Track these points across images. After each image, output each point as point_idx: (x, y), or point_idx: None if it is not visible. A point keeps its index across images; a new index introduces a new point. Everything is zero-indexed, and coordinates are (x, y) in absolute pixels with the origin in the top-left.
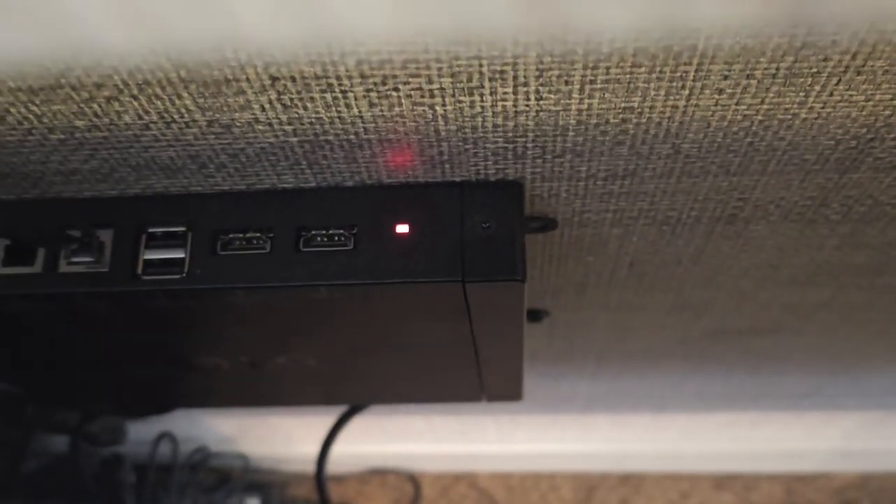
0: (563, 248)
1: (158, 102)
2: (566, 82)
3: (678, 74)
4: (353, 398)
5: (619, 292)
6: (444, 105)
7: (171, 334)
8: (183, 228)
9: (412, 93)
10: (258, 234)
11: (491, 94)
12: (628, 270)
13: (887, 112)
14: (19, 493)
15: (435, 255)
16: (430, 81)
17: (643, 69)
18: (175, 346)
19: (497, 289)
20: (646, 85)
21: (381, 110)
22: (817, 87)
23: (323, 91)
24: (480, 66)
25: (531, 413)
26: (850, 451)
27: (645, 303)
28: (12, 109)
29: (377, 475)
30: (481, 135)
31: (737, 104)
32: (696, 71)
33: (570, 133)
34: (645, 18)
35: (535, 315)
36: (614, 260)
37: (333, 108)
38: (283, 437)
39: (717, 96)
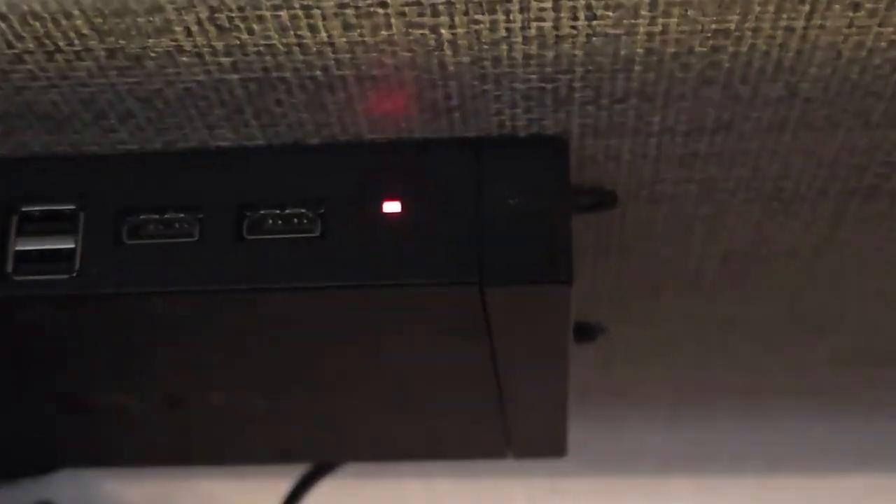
0: (625, 234)
1: (36, 24)
2: None
3: None
4: (318, 454)
5: (706, 299)
6: (452, 27)
7: (55, 360)
8: (72, 206)
9: (406, 9)
10: (181, 216)
11: (521, 10)
12: (721, 267)
13: None
14: None
15: (439, 245)
16: None
17: None
18: (61, 377)
19: (530, 295)
20: None
21: (362, 34)
22: None
23: (277, 6)
24: None
25: (579, 476)
26: None
27: (745, 314)
28: None
29: None
30: (507, 70)
31: (880, 25)
32: None
33: (637, 67)
34: None
35: (585, 332)
36: (700, 252)
37: (291, 32)
38: None
39: (850, 14)
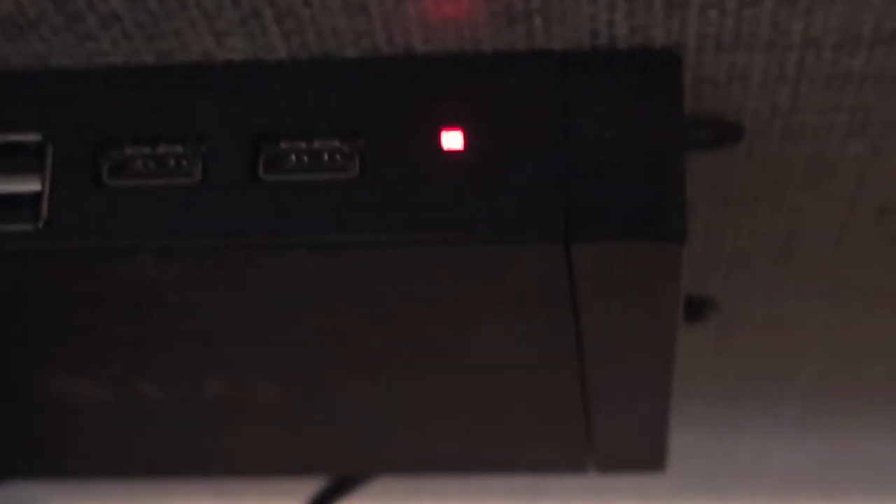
0: (750, 179)
1: None
2: None
3: None
4: (338, 464)
5: (855, 267)
6: None
7: (5, 335)
8: (37, 137)
9: None
10: (179, 150)
11: None
12: (876, 222)
13: None
14: None
15: (512, 189)
16: None
17: None
18: (14, 358)
19: (629, 256)
20: None
21: None
22: None
23: None
24: None
25: (680, 498)
26: None
27: None
28: None
29: None
30: None
31: None
32: None
33: None
34: None
35: (693, 309)
36: (849, 204)
37: None
38: None
39: None
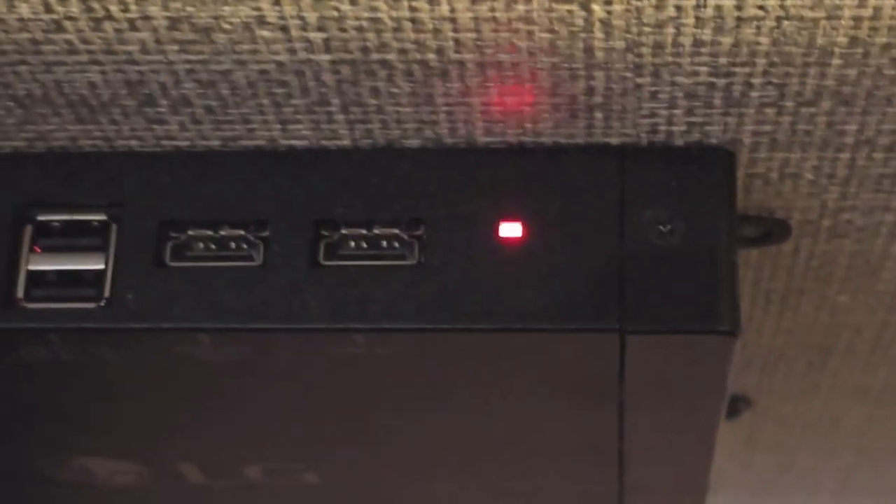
0: (794, 277)
1: None
2: None
3: None
4: None
5: (889, 366)
6: (608, 2)
7: (57, 409)
8: (102, 217)
9: None
10: (241, 233)
11: None
12: None
13: None
14: None
15: (569, 280)
16: None
17: None
18: (57, 433)
19: (683, 348)
20: None
21: (493, 9)
22: None
23: None
24: None
25: None
26: None
27: None
28: None
29: None
30: (670, 59)
31: None
32: None
33: (836, 61)
34: None
35: (727, 404)
36: (890, 304)
37: (405, 2)
38: None
39: None
